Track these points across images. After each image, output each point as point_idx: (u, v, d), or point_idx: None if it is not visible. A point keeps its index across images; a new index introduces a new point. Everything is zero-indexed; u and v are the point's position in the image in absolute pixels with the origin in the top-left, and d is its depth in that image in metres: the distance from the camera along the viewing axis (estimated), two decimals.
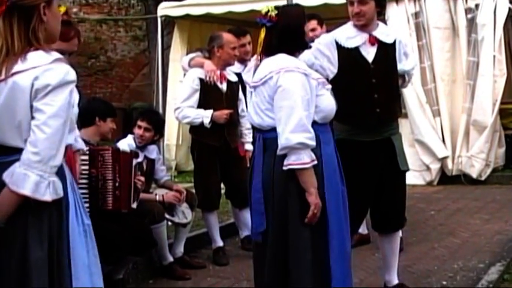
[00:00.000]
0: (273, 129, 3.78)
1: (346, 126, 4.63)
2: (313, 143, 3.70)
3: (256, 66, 3.97)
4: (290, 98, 3.69)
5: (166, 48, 11.62)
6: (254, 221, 3.91)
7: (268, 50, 3.90)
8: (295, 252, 3.74)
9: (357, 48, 4.64)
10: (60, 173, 2.80)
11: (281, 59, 3.84)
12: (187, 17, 11.01)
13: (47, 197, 2.71)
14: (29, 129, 2.69)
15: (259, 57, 3.96)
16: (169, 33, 12.01)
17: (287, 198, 3.76)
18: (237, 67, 6.37)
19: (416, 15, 9.62)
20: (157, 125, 5.86)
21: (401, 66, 4.81)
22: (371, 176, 4.65)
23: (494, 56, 9.33)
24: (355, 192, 4.48)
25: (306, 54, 4.55)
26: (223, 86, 6.06)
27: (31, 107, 2.69)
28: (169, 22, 11.77)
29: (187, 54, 10.02)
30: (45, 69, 2.70)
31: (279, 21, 3.87)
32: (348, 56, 4.63)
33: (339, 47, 4.64)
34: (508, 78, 9.74)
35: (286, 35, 3.88)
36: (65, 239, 2.86)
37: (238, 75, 6.31)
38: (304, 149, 3.67)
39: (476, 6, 9.38)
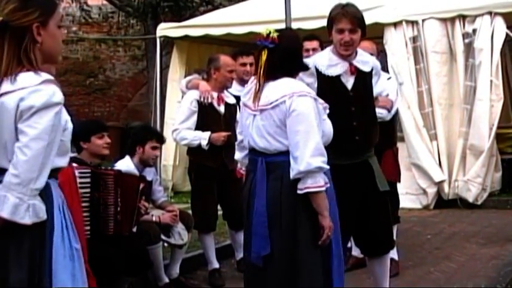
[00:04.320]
0: (280, 153, 3.82)
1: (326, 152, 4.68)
2: (327, 166, 3.78)
3: (257, 90, 3.93)
4: (306, 122, 3.74)
5: (164, 68, 11.64)
6: (255, 245, 3.88)
7: (270, 73, 3.89)
8: (308, 273, 3.79)
9: (338, 77, 4.63)
10: (46, 195, 2.77)
11: (291, 83, 3.87)
12: (186, 38, 11.04)
13: (26, 220, 2.68)
14: (14, 151, 2.67)
15: (260, 80, 3.92)
16: (168, 53, 12.05)
17: (297, 221, 3.81)
18: (236, 89, 6.34)
19: (414, 39, 9.67)
20: (162, 142, 5.94)
21: (376, 89, 4.87)
22: (352, 198, 4.61)
23: (491, 81, 9.35)
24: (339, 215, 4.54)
25: None
26: (221, 108, 6.09)
27: (16, 128, 2.68)
28: (168, 42, 11.81)
29: (185, 74, 10.10)
30: (31, 90, 2.68)
31: (281, 43, 3.87)
32: (328, 83, 4.60)
33: (319, 74, 4.60)
34: (505, 103, 9.79)
35: (288, 56, 3.91)
36: (47, 263, 2.80)
37: (238, 97, 6.29)
38: (320, 172, 3.74)
39: (474, 31, 9.42)
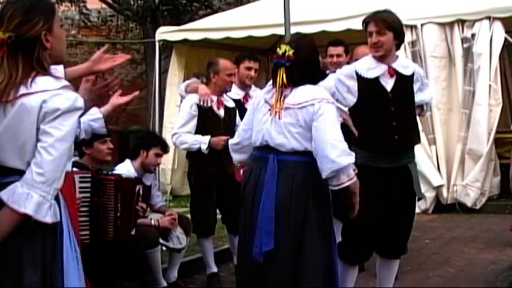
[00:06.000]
0: (295, 153, 3.94)
1: (366, 153, 4.72)
2: (354, 160, 3.93)
3: (280, 95, 4.01)
4: (334, 126, 3.92)
5: (163, 72, 11.64)
6: (259, 240, 3.92)
7: (291, 84, 4.00)
8: (311, 273, 3.89)
9: (376, 78, 4.76)
10: (56, 197, 2.79)
11: (319, 90, 4.04)
12: (185, 41, 11.06)
13: (48, 218, 2.70)
14: (33, 151, 2.69)
15: (278, 90, 4.02)
16: (167, 57, 12.06)
17: (306, 221, 3.91)
18: (236, 93, 6.36)
19: (413, 43, 9.68)
20: (166, 151, 5.99)
21: (420, 97, 4.96)
22: (387, 201, 4.74)
23: (490, 86, 9.37)
24: (372, 217, 4.63)
25: (328, 83, 4.69)
26: (221, 112, 6.08)
27: (37, 129, 2.70)
28: (167, 46, 11.82)
29: (184, 78, 10.10)
30: (54, 93, 2.71)
31: (298, 58, 3.98)
32: (367, 85, 4.75)
33: (359, 77, 4.76)
34: (504, 108, 9.81)
35: (307, 69, 4.03)
36: (58, 264, 2.83)
37: (237, 101, 6.30)
38: (350, 166, 3.89)
39: (473, 35, 9.44)
